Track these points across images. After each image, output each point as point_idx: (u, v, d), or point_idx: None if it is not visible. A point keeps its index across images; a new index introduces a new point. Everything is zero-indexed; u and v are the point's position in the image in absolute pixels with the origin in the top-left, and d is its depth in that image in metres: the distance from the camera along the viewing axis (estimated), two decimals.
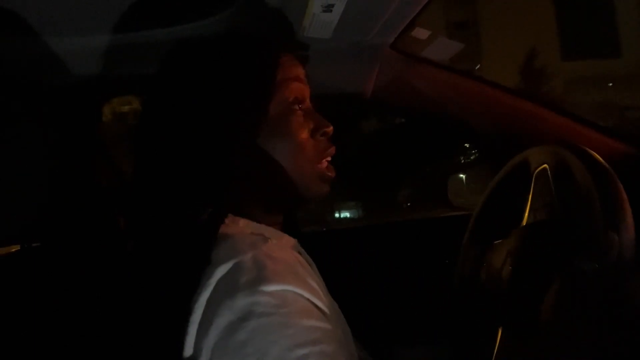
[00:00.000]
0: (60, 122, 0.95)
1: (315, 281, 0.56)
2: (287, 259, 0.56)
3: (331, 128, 0.69)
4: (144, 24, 0.81)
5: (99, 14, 0.77)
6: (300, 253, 0.63)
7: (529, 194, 0.84)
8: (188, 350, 0.51)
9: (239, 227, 0.61)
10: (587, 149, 0.70)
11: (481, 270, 0.86)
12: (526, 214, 0.86)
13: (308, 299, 0.53)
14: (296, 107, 0.67)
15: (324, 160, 0.69)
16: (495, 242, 0.86)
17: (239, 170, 0.61)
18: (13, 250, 0.91)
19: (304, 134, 0.66)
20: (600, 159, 0.67)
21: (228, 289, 0.51)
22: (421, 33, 0.98)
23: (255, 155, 0.63)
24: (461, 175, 1.21)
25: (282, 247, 0.59)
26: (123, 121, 1.07)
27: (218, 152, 0.60)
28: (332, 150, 0.70)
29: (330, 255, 0.60)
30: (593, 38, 8.62)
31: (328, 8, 0.78)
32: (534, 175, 0.82)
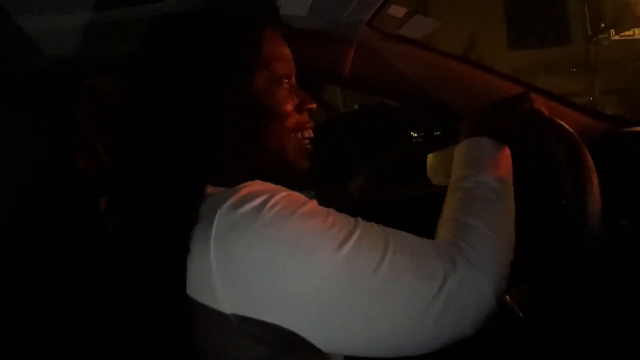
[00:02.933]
0: (36, 105, 0.95)
1: None
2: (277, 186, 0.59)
3: (315, 105, 0.72)
4: (120, 1, 0.81)
5: None
6: None
7: None
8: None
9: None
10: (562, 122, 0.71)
11: None
12: None
13: None
14: (284, 81, 0.69)
15: (307, 133, 0.72)
16: None
17: (224, 140, 0.63)
18: None
19: (290, 107, 0.69)
20: (570, 129, 0.69)
21: (242, 209, 0.53)
22: (397, 11, 0.98)
23: (239, 122, 0.65)
24: (440, 154, 1.22)
25: None
26: (101, 103, 1.07)
27: (204, 122, 0.62)
28: (311, 127, 0.73)
29: None
30: (540, 28, 8.90)
31: None
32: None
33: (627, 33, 8.67)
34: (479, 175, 0.67)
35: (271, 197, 0.54)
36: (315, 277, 0.52)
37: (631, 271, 0.75)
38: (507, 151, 0.71)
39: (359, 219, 0.59)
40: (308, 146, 0.72)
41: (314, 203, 0.58)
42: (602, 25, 9.35)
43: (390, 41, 1.03)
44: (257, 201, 0.53)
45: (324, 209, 0.57)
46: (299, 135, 0.71)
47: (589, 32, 9.61)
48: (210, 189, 0.60)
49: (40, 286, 0.88)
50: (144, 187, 0.61)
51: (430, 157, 1.12)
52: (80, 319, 0.76)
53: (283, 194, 0.56)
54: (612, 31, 9.05)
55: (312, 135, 0.73)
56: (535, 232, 0.77)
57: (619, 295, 0.76)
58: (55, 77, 0.96)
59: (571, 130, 0.69)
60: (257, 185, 0.57)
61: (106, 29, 0.86)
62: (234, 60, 0.64)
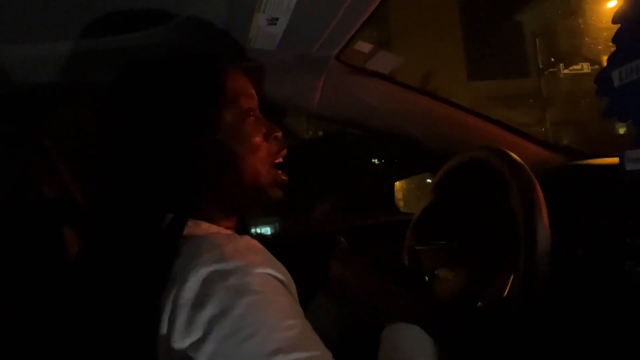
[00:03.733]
0: (4, 132, 0.94)
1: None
2: (264, 250, 0.61)
3: (280, 132, 0.75)
4: (90, 32, 0.82)
5: (41, 22, 0.77)
6: None
7: (464, 195, 0.90)
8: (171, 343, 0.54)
9: (202, 229, 0.65)
10: (511, 153, 0.76)
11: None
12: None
13: (285, 286, 0.60)
14: (250, 114, 0.72)
15: (277, 160, 0.75)
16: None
17: (198, 176, 0.65)
18: None
19: (258, 138, 0.72)
20: (521, 161, 0.73)
21: (217, 274, 0.55)
22: (364, 46, 1.04)
23: (213, 159, 0.67)
24: (407, 183, 1.26)
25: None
26: (69, 130, 1.06)
27: (177, 159, 0.64)
28: (284, 152, 0.76)
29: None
30: (498, 60, 9.41)
31: (273, 21, 0.81)
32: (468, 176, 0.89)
33: (575, 67, 9.16)
34: None
35: (247, 274, 0.56)
36: None
37: (589, 297, 0.79)
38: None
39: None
40: (283, 177, 0.75)
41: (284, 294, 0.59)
42: (552, 59, 9.87)
43: (357, 74, 1.08)
44: (233, 279, 0.55)
45: (292, 308, 0.58)
46: (272, 163, 0.74)
47: (540, 66, 10.12)
48: (191, 222, 0.62)
49: None
50: (115, 221, 0.62)
51: (397, 185, 1.16)
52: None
53: (260, 270, 0.57)
54: (562, 65, 9.55)
55: (281, 160, 0.76)
56: (491, 261, 0.80)
57: (577, 321, 0.80)
58: (24, 105, 0.95)
59: (522, 162, 0.73)
60: (236, 244, 0.59)
61: (76, 57, 0.87)
62: (199, 101, 0.67)
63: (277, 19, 0.81)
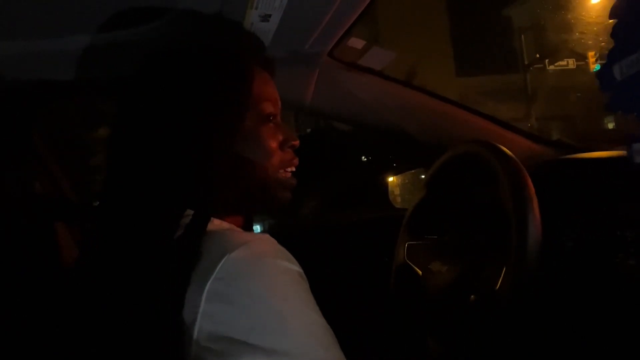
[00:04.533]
0: None
1: None
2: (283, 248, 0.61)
3: (298, 142, 0.75)
4: (80, 28, 0.81)
5: (31, 18, 0.76)
6: None
7: (458, 189, 0.92)
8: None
9: (215, 224, 0.63)
10: (503, 147, 0.77)
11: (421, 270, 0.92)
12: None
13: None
14: (270, 120, 0.72)
15: (290, 169, 0.74)
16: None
17: (215, 175, 0.64)
18: None
19: (274, 144, 0.71)
20: (512, 154, 0.74)
21: (252, 263, 0.54)
22: (357, 43, 1.04)
23: (230, 161, 0.66)
24: (401, 178, 1.27)
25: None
26: (60, 127, 1.05)
27: (198, 158, 0.63)
28: (296, 161, 0.75)
29: None
30: (486, 56, 9.52)
31: (265, 18, 0.81)
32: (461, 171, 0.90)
33: (561, 63, 9.27)
34: None
35: (277, 260, 0.56)
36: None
37: (579, 290, 0.80)
38: None
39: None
40: (292, 181, 0.75)
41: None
42: (537, 55, 9.98)
43: (350, 71, 1.08)
44: (264, 262, 0.55)
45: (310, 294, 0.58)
46: (283, 173, 0.73)
47: (526, 62, 10.23)
48: (216, 222, 0.62)
49: None
50: (141, 219, 0.60)
51: (392, 181, 1.17)
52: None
53: (291, 267, 0.58)
54: (547, 61, 9.67)
55: (294, 169, 0.75)
56: (483, 254, 0.81)
57: (567, 313, 0.81)
58: (14, 101, 0.94)
59: (513, 155, 0.74)
60: (265, 242, 0.59)
61: (66, 54, 0.86)
62: (224, 103, 0.66)
63: (269, 15, 0.81)
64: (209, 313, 0.52)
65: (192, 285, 0.53)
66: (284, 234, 1.45)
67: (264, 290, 0.53)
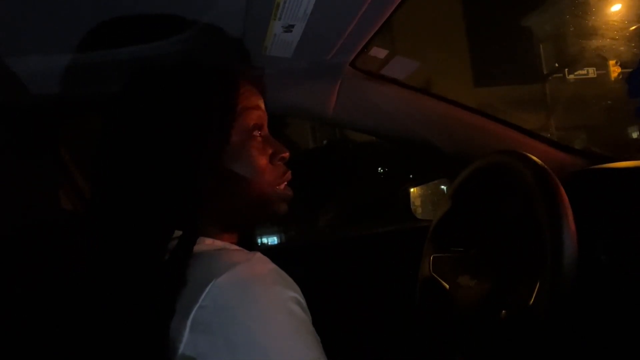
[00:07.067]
0: (20, 144, 0.93)
1: None
2: (277, 268, 0.59)
3: (288, 153, 0.72)
4: (103, 43, 0.82)
5: (57, 33, 0.77)
6: None
7: (484, 201, 0.89)
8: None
9: (206, 244, 0.62)
10: (534, 157, 0.75)
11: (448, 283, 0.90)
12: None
13: (302, 306, 0.57)
14: (256, 133, 0.70)
15: (282, 183, 0.72)
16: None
17: (202, 193, 0.62)
18: None
19: (263, 160, 0.69)
20: (545, 165, 0.72)
21: (239, 290, 0.53)
22: (379, 52, 1.03)
23: (217, 178, 0.64)
24: (423, 189, 1.25)
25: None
26: (86, 141, 1.06)
27: (182, 176, 0.61)
28: (289, 175, 0.73)
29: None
30: (505, 66, 9.49)
31: (288, 29, 0.81)
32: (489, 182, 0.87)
33: (581, 72, 9.16)
34: None
35: (267, 286, 0.55)
36: None
37: (613, 304, 0.78)
38: None
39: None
40: (288, 192, 0.72)
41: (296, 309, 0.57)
42: (557, 65, 9.89)
43: (372, 80, 1.07)
44: (253, 289, 0.54)
45: (304, 322, 0.57)
46: (277, 187, 0.71)
47: (545, 72, 10.13)
48: (207, 242, 0.60)
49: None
50: (127, 238, 0.60)
51: (413, 192, 1.15)
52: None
53: (284, 294, 0.56)
54: (566, 70, 9.57)
55: (289, 179, 0.73)
56: (514, 268, 0.79)
57: (601, 326, 0.78)
58: (40, 116, 0.95)
59: (545, 166, 0.72)
60: (256, 264, 0.57)
61: (92, 69, 0.87)
62: (207, 117, 0.64)
63: (292, 26, 0.81)
64: (192, 342, 0.51)
65: (177, 314, 0.52)
66: (304, 246, 1.44)
67: (250, 323, 0.52)
